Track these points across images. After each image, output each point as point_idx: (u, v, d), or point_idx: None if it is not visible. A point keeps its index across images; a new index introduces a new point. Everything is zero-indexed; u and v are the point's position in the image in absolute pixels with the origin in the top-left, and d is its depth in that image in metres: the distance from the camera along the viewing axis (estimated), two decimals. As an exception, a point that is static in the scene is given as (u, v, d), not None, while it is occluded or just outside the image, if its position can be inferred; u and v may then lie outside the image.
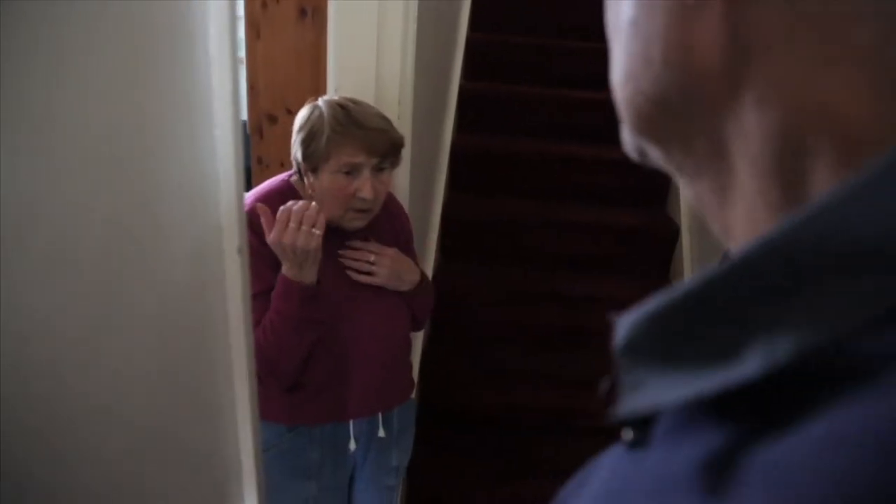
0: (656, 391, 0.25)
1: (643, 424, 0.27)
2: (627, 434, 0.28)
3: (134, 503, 0.60)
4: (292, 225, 1.09)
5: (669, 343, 0.24)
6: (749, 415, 0.22)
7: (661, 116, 0.27)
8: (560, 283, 2.32)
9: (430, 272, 2.27)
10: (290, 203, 1.11)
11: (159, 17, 0.53)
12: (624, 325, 0.26)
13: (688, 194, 0.30)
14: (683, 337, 0.23)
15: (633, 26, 0.27)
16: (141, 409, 0.58)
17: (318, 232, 1.10)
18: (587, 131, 2.63)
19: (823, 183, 0.22)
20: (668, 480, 0.24)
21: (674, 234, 2.41)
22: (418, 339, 2.13)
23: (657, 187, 2.55)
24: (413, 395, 1.45)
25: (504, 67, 2.80)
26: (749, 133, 0.24)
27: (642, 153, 0.31)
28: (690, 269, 2.31)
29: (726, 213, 0.27)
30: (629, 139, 0.31)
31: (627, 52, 0.28)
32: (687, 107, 0.26)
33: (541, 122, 2.68)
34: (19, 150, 0.39)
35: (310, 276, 1.14)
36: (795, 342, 0.20)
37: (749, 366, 0.21)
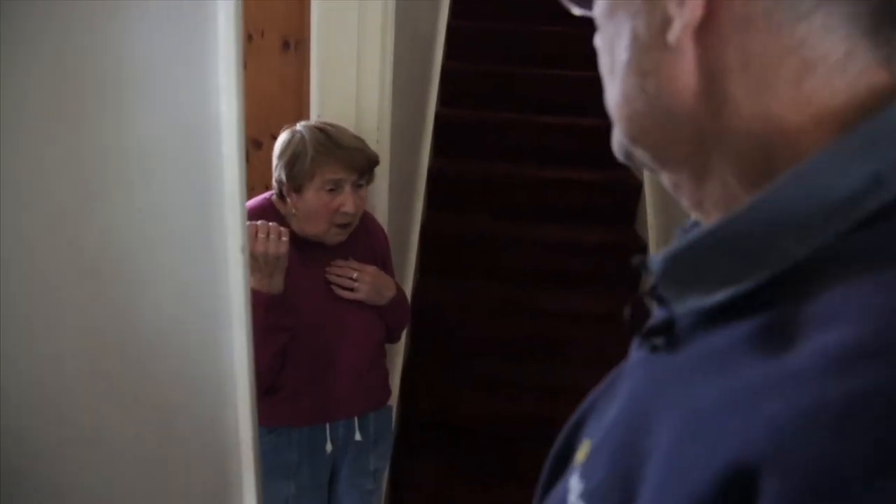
0: (700, 297, 0.34)
1: (670, 332, 0.37)
2: (656, 341, 0.37)
3: (134, 495, 0.65)
4: (261, 235, 1.19)
5: (700, 266, 0.34)
6: (776, 302, 0.30)
7: (653, 129, 0.37)
8: (534, 298, 2.42)
9: (409, 289, 2.36)
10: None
11: (178, 51, 0.64)
12: (657, 261, 0.36)
13: (664, 179, 0.40)
14: (709, 263, 0.33)
15: (628, 66, 0.37)
16: (146, 396, 0.65)
17: (285, 239, 1.20)
18: (558, 154, 2.77)
19: (784, 170, 0.32)
20: (714, 355, 0.32)
21: (641, 250, 2.53)
22: (400, 353, 2.21)
23: (625, 207, 2.68)
24: (390, 402, 1.53)
25: (478, 94, 2.93)
26: (726, 138, 0.34)
27: (628, 155, 0.41)
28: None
29: (702, 192, 0.37)
30: (620, 147, 0.41)
31: (624, 82, 0.38)
32: (673, 120, 0.36)
33: (513, 146, 2.80)
34: (48, 157, 0.47)
35: (277, 285, 1.23)
36: (796, 253, 0.30)
37: (773, 266, 0.31)
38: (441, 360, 2.35)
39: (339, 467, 1.46)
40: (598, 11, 0.40)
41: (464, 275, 2.53)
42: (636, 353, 0.42)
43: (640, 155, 0.40)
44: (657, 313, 0.40)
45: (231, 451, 0.88)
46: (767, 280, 0.31)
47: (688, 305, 0.35)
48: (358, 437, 1.42)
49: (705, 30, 0.33)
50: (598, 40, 0.41)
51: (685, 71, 0.34)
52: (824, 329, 0.27)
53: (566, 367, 2.30)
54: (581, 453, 0.42)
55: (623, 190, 2.65)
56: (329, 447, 1.40)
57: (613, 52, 0.38)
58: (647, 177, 2.62)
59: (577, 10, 0.44)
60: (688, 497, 0.27)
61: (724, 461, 0.26)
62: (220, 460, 0.86)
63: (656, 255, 0.36)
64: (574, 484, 0.39)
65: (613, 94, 0.39)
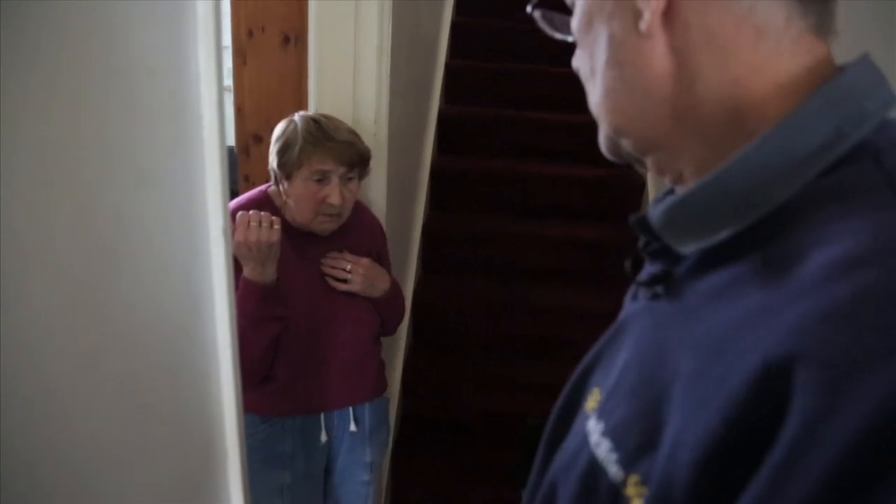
0: (702, 240, 0.39)
1: (668, 281, 0.41)
2: (656, 290, 0.42)
3: (117, 482, 0.65)
4: (252, 224, 1.20)
5: (699, 213, 0.39)
6: (769, 240, 0.35)
7: (634, 114, 0.42)
8: (536, 296, 2.42)
9: (410, 285, 2.37)
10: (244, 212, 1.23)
11: (161, 42, 0.66)
12: (657, 214, 0.41)
13: (649, 165, 0.45)
14: (706, 209, 0.38)
15: (607, 63, 0.42)
16: (127, 379, 0.65)
17: (276, 227, 1.22)
18: (561, 152, 2.77)
19: (755, 131, 0.37)
20: (719, 291, 0.36)
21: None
22: (401, 349, 2.22)
23: (628, 204, 2.67)
24: (386, 394, 1.54)
25: (481, 92, 2.94)
26: (700, 109, 0.39)
27: (614, 149, 0.46)
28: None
29: (681, 164, 0.42)
30: (605, 140, 0.46)
31: (604, 77, 0.43)
32: (652, 101, 0.41)
33: (517, 143, 2.81)
34: (39, 146, 0.48)
35: (270, 274, 1.24)
36: (780, 196, 0.36)
37: (761, 208, 0.36)
38: (442, 357, 2.35)
39: (335, 458, 1.47)
40: (574, 27, 0.46)
41: (466, 272, 2.53)
42: (632, 305, 0.48)
43: (626, 145, 0.44)
44: (649, 268, 0.45)
45: (215, 434, 0.89)
46: (758, 220, 0.36)
47: (691, 248, 0.39)
48: (353, 427, 1.43)
49: (670, 15, 0.39)
50: (577, 59, 0.47)
51: (658, 55, 0.39)
52: (821, 249, 0.32)
53: (567, 366, 2.28)
54: (592, 401, 0.46)
55: (626, 187, 2.64)
56: (324, 437, 1.41)
57: (594, 58, 0.44)
58: (650, 174, 2.61)
59: (558, 35, 0.51)
60: (724, 403, 0.30)
61: (754, 365, 0.30)
62: (203, 444, 0.87)
63: (652, 211, 0.41)
64: (592, 426, 0.42)
65: (596, 93, 0.44)
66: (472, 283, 2.48)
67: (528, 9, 0.53)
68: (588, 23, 0.43)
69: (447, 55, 2.98)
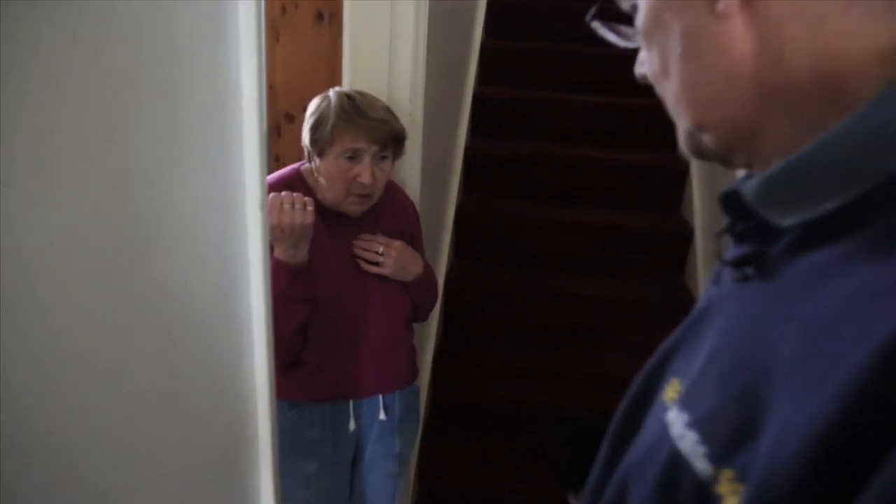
0: (806, 211, 0.36)
1: (760, 261, 0.39)
2: (747, 271, 0.40)
3: (147, 466, 0.64)
4: (286, 206, 1.16)
5: (802, 184, 0.36)
6: (878, 215, 0.33)
7: (717, 102, 0.39)
8: (572, 284, 2.35)
9: (442, 272, 2.32)
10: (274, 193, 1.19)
11: (201, 28, 0.64)
12: (751, 185, 0.38)
13: (738, 164, 0.42)
14: (810, 180, 0.35)
15: (683, 56, 0.40)
16: (159, 353, 0.64)
17: (310, 209, 1.18)
18: (601, 135, 2.68)
19: (854, 102, 0.34)
20: (824, 268, 0.34)
21: (688, 235, 2.44)
22: (431, 337, 2.19)
23: (672, 190, 2.58)
24: (417, 383, 1.50)
25: (518, 73, 2.86)
26: (791, 84, 0.36)
27: (697, 147, 0.43)
28: (704, 269, 2.33)
29: (770, 150, 0.39)
30: (686, 138, 0.44)
31: (682, 71, 0.40)
32: (736, 86, 0.38)
33: (553, 127, 2.73)
34: (91, 120, 0.46)
35: (302, 255, 1.21)
36: (891, 167, 0.33)
37: (871, 180, 0.34)
38: (473, 345, 2.31)
39: (363, 447, 1.44)
40: (640, 27, 0.43)
41: (499, 258, 2.48)
42: (715, 290, 0.45)
43: (708, 141, 0.42)
44: (735, 249, 0.42)
45: (248, 417, 0.87)
46: (867, 191, 0.34)
47: (793, 220, 0.37)
48: (382, 416, 1.39)
49: None
50: (641, 64, 0.45)
51: (738, 35, 0.37)
52: None
53: (602, 356, 2.23)
54: (671, 391, 0.43)
55: (669, 173, 2.55)
56: (352, 425, 1.37)
57: (665, 55, 0.41)
58: (694, 163, 2.51)
59: (622, 44, 0.48)
60: (841, 386, 0.28)
61: (876, 343, 0.28)
62: (235, 427, 0.85)
63: (744, 185, 0.39)
64: (673, 417, 0.40)
65: (673, 90, 0.42)
66: (507, 271, 2.42)
67: (587, 18, 0.51)
68: (655, 21, 0.42)
69: (483, 35, 2.91)
